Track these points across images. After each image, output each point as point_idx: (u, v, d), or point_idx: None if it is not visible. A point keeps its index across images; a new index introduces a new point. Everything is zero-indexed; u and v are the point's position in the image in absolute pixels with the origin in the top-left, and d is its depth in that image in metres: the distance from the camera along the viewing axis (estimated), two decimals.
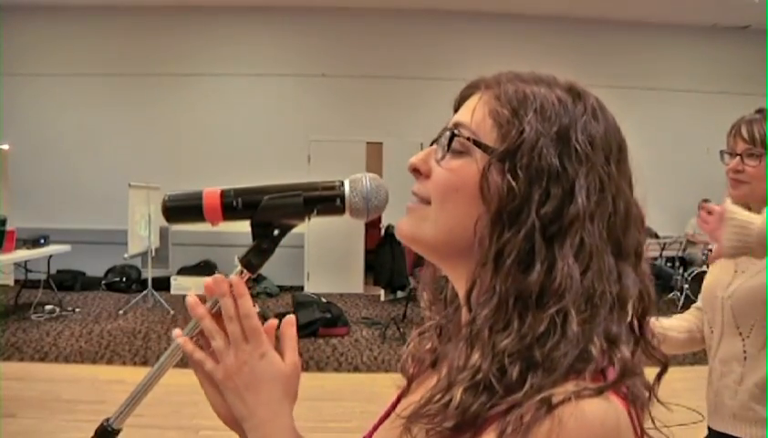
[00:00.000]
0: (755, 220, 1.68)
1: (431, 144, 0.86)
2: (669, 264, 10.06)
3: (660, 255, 9.82)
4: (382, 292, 10.03)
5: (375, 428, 0.95)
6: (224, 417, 0.90)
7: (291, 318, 0.88)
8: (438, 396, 0.72)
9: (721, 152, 1.97)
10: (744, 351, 1.89)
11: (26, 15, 10.33)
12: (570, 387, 0.66)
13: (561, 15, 10.63)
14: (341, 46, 10.75)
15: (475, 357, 0.71)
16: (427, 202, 0.82)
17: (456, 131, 0.80)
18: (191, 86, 10.66)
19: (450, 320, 0.93)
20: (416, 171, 0.84)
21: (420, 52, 10.55)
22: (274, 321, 0.88)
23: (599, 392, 0.66)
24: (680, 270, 9.59)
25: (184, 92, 10.68)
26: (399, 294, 9.76)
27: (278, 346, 0.88)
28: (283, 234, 0.85)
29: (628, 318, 0.74)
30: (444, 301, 0.95)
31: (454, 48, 10.17)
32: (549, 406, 0.64)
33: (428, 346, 0.96)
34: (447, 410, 0.70)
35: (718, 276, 2.02)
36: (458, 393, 0.69)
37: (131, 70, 10.53)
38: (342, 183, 0.85)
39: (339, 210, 0.85)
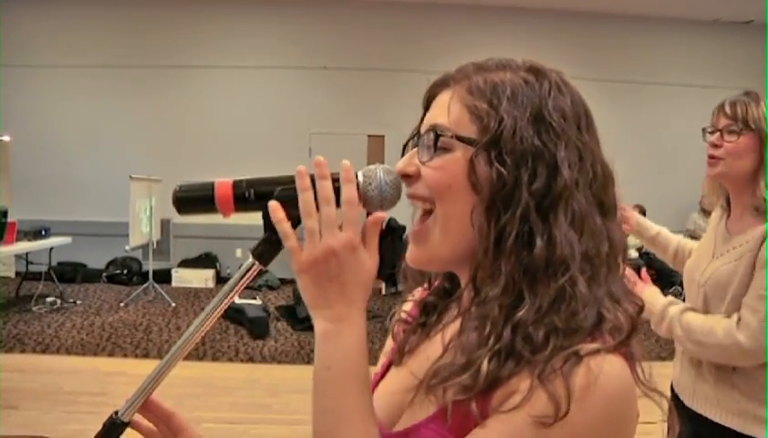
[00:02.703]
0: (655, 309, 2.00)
1: (405, 146, 0.91)
2: None
3: None
4: (383, 285, 10.03)
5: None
6: None
7: (378, 215, 0.83)
8: (460, 368, 0.77)
9: (704, 130, 1.99)
10: None
11: (27, 6, 10.31)
12: (594, 344, 0.73)
13: (562, 9, 10.60)
14: (343, 38, 10.73)
15: (492, 332, 0.76)
16: (426, 200, 0.85)
17: (439, 131, 0.83)
18: (192, 78, 10.64)
19: (439, 297, 0.99)
20: (406, 176, 0.87)
21: (422, 45, 10.52)
22: (379, 215, 0.84)
23: (617, 347, 0.74)
24: None
25: (185, 84, 10.66)
26: (400, 287, 9.75)
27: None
28: (294, 226, 0.84)
29: (621, 271, 0.80)
30: (429, 281, 1.01)
31: (456, 42, 10.13)
32: (578, 357, 0.72)
33: (417, 318, 1.01)
34: (477, 380, 0.75)
35: (697, 258, 2.07)
36: (484, 365, 0.74)
37: (133, 62, 10.51)
38: (356, 175, 0.84)
39: None
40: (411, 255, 0.89)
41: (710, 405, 1.91)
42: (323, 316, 0.81)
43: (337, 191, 0.83)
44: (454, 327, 0.86)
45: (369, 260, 0.82)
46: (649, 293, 2.06)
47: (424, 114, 0.91)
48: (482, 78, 0.83)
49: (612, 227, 0.81)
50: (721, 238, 1.99)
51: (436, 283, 1.01)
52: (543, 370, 0.71)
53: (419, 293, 1.05)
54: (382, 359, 1.04)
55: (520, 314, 0.74)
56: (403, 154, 0.91)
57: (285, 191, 0.83)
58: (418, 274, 1.00)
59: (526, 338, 0.73)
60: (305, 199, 0.80)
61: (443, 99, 0.86)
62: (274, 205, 0.81)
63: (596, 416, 0.70)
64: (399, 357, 0.98)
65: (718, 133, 1.93)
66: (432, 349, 0.90)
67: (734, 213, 1.99)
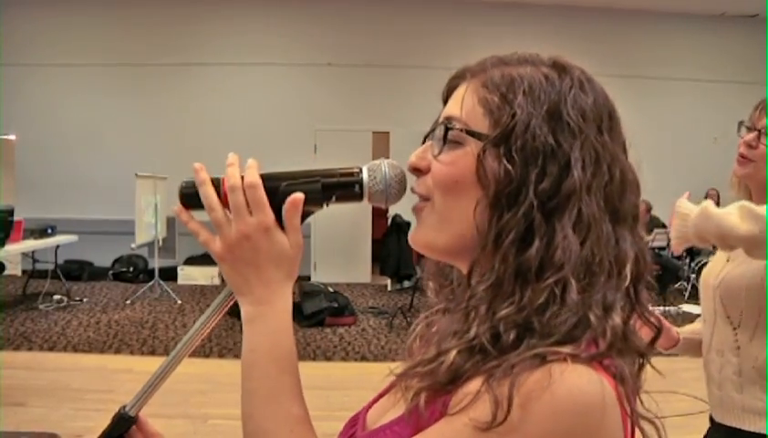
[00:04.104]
0: (693, 211, 1.73)
1: (424, 139, 0.86)
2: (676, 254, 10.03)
3: (668, 245, 9.78)
4: (389, 281, 10.05)
5: (372, 403, 0.95)
6: None
7: (296, 197, 0.82)
8: (430, 357, 0.73)
9: (740, 124, 1.91)
10: (736, 340, 1.86)
11: (32, 5, 10.33)
12: (565, 349, 0.66)
13: (567, 4, 10.58)
14: (347, 35, 10.72)
15: (472, 327, 0.72)
16: (424, 198, 0.83)
17: (449, 124, 0.80)
18: (197, 75, 10.66)
19: (457, 302, 0.93)
20: (416, 170, 0.84)
21: (427, 41, 10.52)
22: (296, 197, 0.83)
23: (591, 359, 0.67)
24: (687, 260, 9.56)
25: (191, 82, 10.68)
26: (406, 283, 9.78)
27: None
28: (300, 221, 0.84)
29: (626, 283, 0.74)
30: (451, 285, 0.95)
31: (461, 37, 10.12)
32: (542, 360, 0.65)
33: (434, 328, 0.97)
34: (440, 368, 0.71)
35: (711, 267, 2.01)
36: (451, 355, 0.71)
37: (138, 60, 10.53)
38: (360, 170, 0.84)
39: (358, 196, 0.85)
40: (413, 236, 0.86)
41: (736, 411, 1.86)
42: (246, 301, 0.83)
43: (344, 184, 0.83)
44: None
45: (287, 240, 0.83)
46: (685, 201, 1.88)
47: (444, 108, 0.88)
48: (500, 71, 0.81)
49: (624, 236, 0.76)
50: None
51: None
52: (496, 372, 0.66)
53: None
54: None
55: (502, 313, 0.71)
56: None
57: (290, 185, 0.83)
58: (437, 272, 0.96)
59: (497, 335, 0.70)
60: (203, 192, 0.82)
61: (460, 91, 0.84)
62: (177, 209, 0.85)
63: (541, 428, 0.63)
64: None
65: (756, 133, 1.84)
66: None
67: None
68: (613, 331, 0.70)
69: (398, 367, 0.81)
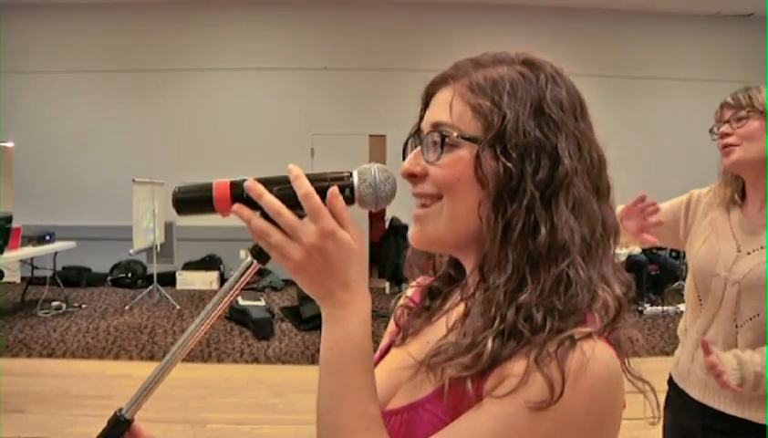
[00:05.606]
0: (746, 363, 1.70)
1: (405, 144, 0.94)
2: (673, 254, 10.04)
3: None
4: (387, 285, 10.04)
5: None
6: None
7: (333, 190, 0.82)
8: (467, 345, 0.80)
9: (710, 130, 1.96)
10: (736, 339, 1.85)
11: (28, 13, 10.33)
12: (587, 328, 0.76)
13: (562, 5, 10.58)
14: (343, 39, 10.72)
15: (497, 314, 0.79)
16: (434, 197, 0.87)
17: (444, 131, 0.85)
18: (193, 81, 10.65)
19: (444, 283, 1.02)
20: (412, 175, 0.89)
21: (424, 44, 10.51)
22: (332, 189, 0.83)
23: (602, 332, 0.77)
24: (684, 259, 9.54)
25: (187, 87, 10.67)
26: (404, 286, 9.75)
27: None
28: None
29: (612, 251, 0.85)
30: (433, 268, 1.04)
31: (456, 40, 10.12)
32: (572, 340, 0.75)
33: (420, 303, 1.05)
34: (482, 357, 0.77)
35: (715, 252, 1.95)
36: (489, 343, 0.78)
37: (134, 66, 10.53)
38: (351, 174, 0.85)
39: (348, 200, 0.85)
40: (414, 235, 0.91)
41: (725, 398, 1.85)
42: (328, 305, 0.84)
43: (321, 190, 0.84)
44: (458, 311, 0.89)
45: (350, 236, 0.82)
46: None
47: (423, 112, 0.93)
48: (482, 74, 0.85)
49: (606, 210, 0.85)
50: (743, 232, 1.91)
51: (441, 270, 1.03)
52: (539, 354, 0.74)
53: (422, 279, 1.08)
54: (384, 341, 1.07)
55: (523, 297, 0.78)
56: (404, 152, 0.94)
57: (282, 190, 0.83)
58: (423, 263, 1.03)
59: (527, 318, 0.77)
60: (254, 226, 0.81)
61: (444, 96, 0.88)
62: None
63: (584, 399, 0.73)
64: (401, 338, 1.01)
65: (726, 124, 1.89)
66: (434, 334, 0.93)
67: (752, 205, 1.93)
68: (616, 301, 0.79)
69: (427, 354, 0.86)
